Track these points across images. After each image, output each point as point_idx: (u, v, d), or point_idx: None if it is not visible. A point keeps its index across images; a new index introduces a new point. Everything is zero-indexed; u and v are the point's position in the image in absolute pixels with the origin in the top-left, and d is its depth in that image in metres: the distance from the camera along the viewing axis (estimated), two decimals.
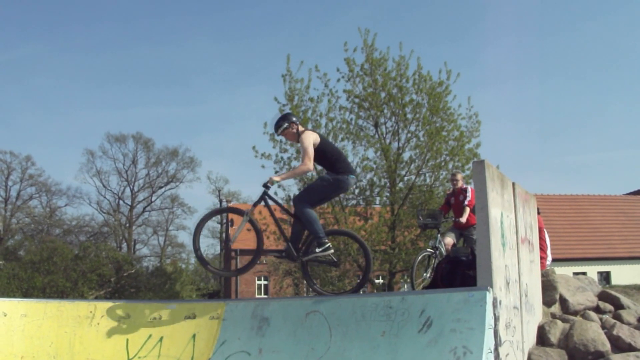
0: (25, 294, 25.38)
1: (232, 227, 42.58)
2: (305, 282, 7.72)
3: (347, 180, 6.93)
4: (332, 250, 6.93)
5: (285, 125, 7.03)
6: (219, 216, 57.20)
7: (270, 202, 7.07)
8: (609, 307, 8.47)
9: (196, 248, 7.11)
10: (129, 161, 54.16)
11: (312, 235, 6.92)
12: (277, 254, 7.23)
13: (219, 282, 54.69)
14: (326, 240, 6.87)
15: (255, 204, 7.05)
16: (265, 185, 6.87)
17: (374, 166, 18.36)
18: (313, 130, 7.08)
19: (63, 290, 27.41)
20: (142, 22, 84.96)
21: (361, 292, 8.02)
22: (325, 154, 6.91)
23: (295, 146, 17.84)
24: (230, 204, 48.91)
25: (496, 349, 5.34)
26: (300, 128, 7.07)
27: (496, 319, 5.45)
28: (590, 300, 8.48)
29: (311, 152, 6.74)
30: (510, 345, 5.93)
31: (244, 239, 34.31)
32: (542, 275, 8.29)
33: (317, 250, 6.86)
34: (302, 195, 7.05)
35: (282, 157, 17.91)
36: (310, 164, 6.73)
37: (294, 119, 7.10)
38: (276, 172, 18.04)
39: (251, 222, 7.13)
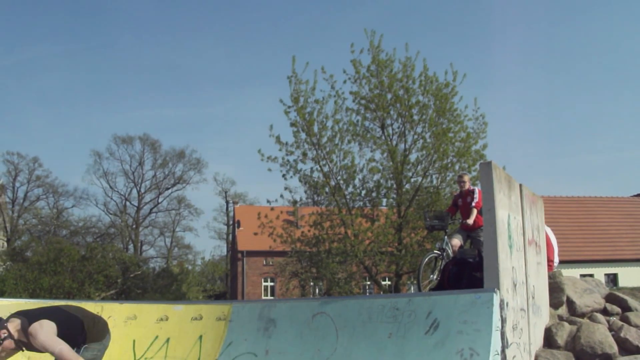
0: (32, 295, 25.50)
1: (238, 228, 42.67)
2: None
3: (108, 339, 5.37)
4: None
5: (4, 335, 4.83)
6: (225, 217, 57.57)
7: None
8: (616, 309, 8.43)
9: None
10: (135, 162, 54.29)
11: None
12: None
13: (225, 284, 54.77)
14: None
15: None
16: None
17: (381, 168, 18.41)
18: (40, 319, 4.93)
19: (70, 291, 27.56)
20: (149, 24, 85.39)
21: (368, 294, 7.99)
22: (77, 327, 5.11)
23: (302, 148, 17.84)
24: (237, 206, 49.01)
25: (503, 351, 5.32)
26: (14, 330, 4.86)
27: (503, 320, 5.44)
28: (597, 303, 8.44)
29: (58, 342, 4.83)
30: (517, 347, 5.91)
31: (251, 239, 34.38)
32: (549, 277, 8.26)
33: None
34: None
35: (288, 160, 17.96)
36: (66, 348, 4.81)
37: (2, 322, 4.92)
38: (283, 175, 18.05)
39: None
